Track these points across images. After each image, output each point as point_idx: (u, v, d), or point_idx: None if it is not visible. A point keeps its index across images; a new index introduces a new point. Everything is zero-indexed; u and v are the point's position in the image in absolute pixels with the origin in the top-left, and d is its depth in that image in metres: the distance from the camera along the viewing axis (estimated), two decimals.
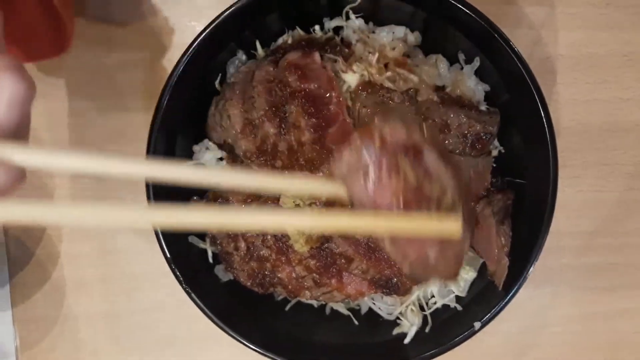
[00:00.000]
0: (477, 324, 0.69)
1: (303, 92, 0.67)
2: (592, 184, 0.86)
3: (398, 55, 0.72)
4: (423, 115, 0.68)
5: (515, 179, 0.74)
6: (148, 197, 0.70)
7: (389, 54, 0.73)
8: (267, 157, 0.69)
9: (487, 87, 0.75)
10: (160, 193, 0.71)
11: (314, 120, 0.67)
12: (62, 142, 0.86)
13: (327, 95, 0.68)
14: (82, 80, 0.86)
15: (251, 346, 0.71)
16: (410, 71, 0.72)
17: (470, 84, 0.73)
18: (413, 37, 0.75)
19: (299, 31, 0.74)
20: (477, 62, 0.74)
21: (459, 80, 0.74)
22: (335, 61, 0.71)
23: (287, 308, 0.79)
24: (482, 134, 0.69)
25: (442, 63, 0.75)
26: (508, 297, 0.69)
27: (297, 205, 0.69)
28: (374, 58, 0.70)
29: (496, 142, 0.76)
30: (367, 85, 0.70)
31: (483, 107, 0.74)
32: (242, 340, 0.71)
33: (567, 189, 0.86)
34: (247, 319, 0.76)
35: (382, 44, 0.73)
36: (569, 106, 0.85)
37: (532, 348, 0.88)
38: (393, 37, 0.74)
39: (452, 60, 0.76)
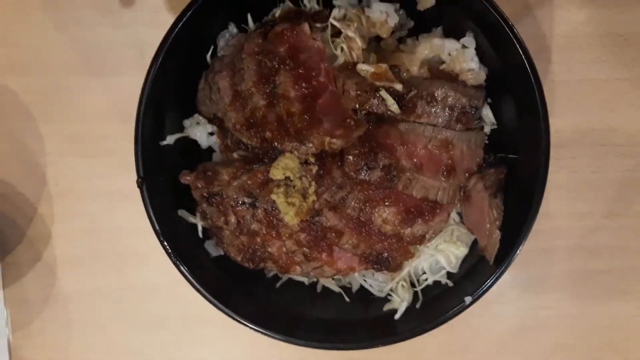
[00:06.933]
0: (467, 299, 0.69)
1: (292, 63, 0.66)
2: (588, 165, 0.85)
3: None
4: (410, 88, 0.67)
5: (509, 154, 0.73)
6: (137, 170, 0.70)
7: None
8: (256, 129, 0.68)
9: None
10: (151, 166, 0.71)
11: (303, 90, 0.66)
12: (52, 117, 0.86)
13: (316, 66, 0.67)
14: (70, 55, 0.85)
15: (245, 322, 0.71)
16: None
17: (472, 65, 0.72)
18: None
19: (288, 4, 0.74)
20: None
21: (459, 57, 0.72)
22: (324, 30, 0.70)
23: (278, 285, 0.79)
24: (467, 108, 0.67)
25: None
26: (499, 272, 0.68)
27: (287, 178, 0.69)
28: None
29: (491, 117, 0.75)
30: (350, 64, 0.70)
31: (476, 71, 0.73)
32: (234, 317, 0.71)
33: (562, 169, 0.85)
34: (238, 296, 0.75)
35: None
36: (565, 85, 0.84)
37: (525, 330, 0.87)
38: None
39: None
